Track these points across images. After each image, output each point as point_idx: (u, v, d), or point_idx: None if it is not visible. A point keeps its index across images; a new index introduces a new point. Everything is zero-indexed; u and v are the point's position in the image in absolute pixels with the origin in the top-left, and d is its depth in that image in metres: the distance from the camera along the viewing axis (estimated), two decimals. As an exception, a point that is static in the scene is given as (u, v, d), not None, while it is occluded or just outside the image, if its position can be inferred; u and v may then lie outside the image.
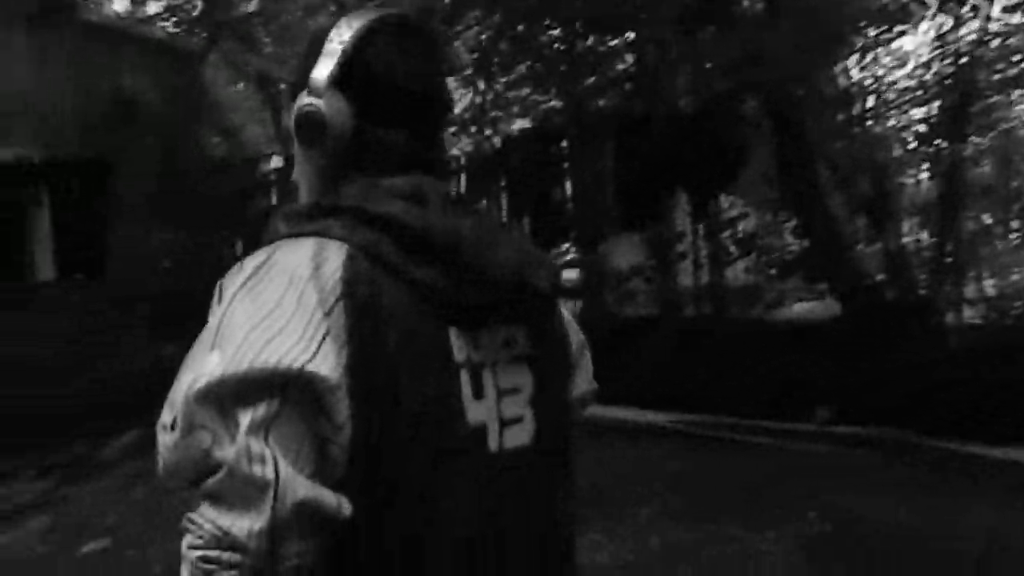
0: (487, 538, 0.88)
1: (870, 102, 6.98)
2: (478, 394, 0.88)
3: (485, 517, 0.88)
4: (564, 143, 8.30)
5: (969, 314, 6.37)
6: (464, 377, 0.87)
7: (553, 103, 8.58)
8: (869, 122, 6.96)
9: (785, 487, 4.76)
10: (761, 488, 4.78)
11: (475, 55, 8.50)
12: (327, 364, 0.79)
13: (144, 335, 6.85)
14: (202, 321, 0.85)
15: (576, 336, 1.09)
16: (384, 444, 0.81)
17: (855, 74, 6.93)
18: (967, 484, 4.71)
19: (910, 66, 6.75)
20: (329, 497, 0.79)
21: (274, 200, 8.65)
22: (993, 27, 6.40)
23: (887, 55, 6.89)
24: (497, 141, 8.78)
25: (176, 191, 7.60)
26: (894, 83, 6.89)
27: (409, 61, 0.97)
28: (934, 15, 6.49)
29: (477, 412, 0.88)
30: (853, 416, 5.79)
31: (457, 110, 9.33)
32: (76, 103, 7.42)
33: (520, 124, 8.84)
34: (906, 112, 6.88)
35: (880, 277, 6.75)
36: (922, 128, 6.78)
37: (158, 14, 9.53)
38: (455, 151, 9.14)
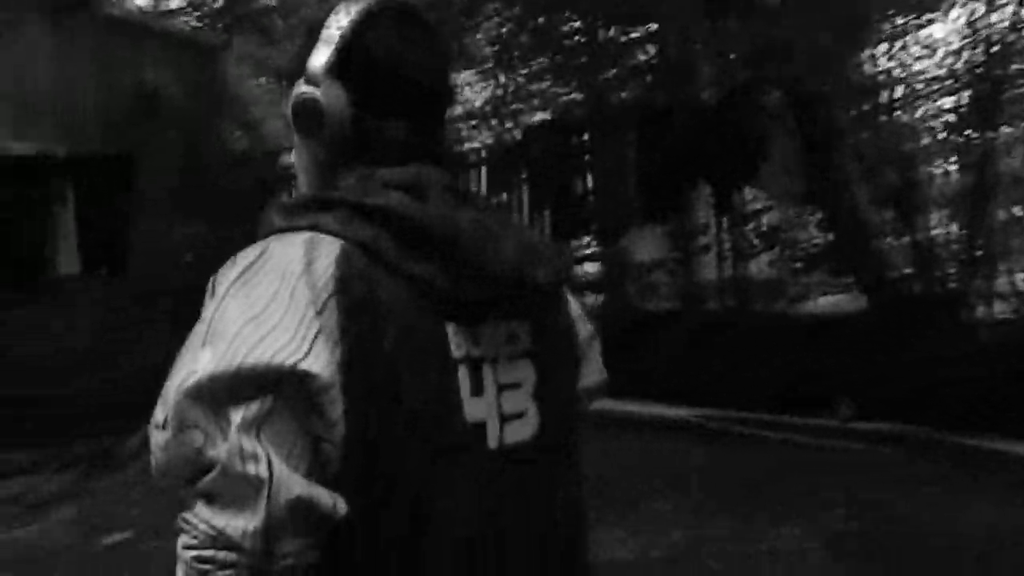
0: (487, 537, 0.86)
1: (898, 92, 6.85)
2: (477, 390, 0.86)
3: (485, 516, 0.86)
4: (585, 135, 8.23)
5: (1000, 308, 6.24)
6: (462, 373, 0.85)
7: (574, 95, 8.52)
8: (897, 112, 6.83)
9: (810, 483, 4.73)
10: (786, 484, 4.75)
11: (495, 47, 8.46)
12: (320, 362, 0.77)
13: (166, 329, 6.88)
14: None
15: (584, 327, 1.07)
16: (380, 442, 0.80)
17: (882, 63, 6.80)
18: (996, 482, 4.64)
19: (940, 54, 6.61)
20: (324, 495, 0.77)
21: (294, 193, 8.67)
22: (1026, 14, 6.25)
23: (916, 43, 6.75)
24: (518, 134, 8.73)
25: (198, 185, 7.63)
26: (923, 72, 6.75)
27: (409, 48, 0.94)
28: (965, 2, 6.36)
29: (476, 409, 0.86)
30: (878, 412, 5.72)
31: (477, 103, 9.32)
32: (99, 98, 7.46)
33: (541, 116, 8.78)
34: (935, 101, 6.74)
35: (907, 270, 6.64)
36: (952, 118, 6.64)
37: (180, 8, 9.56)
38: (476, 144, 9.11)
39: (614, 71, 8.02)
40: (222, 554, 0.75)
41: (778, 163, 7.09)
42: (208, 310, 0.82)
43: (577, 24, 8.07)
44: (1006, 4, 6.19)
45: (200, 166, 7.86)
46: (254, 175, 8.54)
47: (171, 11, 9.52)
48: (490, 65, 8.57)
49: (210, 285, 0.85)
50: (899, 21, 6.55)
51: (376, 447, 0.79)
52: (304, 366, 0.77)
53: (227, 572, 0.76)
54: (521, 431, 0.90)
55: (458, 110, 9.36)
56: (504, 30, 8.30)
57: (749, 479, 4.86)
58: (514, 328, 0.91)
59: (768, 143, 6.88)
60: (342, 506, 0.78)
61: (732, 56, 6.97)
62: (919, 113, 6.87)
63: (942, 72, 6.57)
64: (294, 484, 0.76)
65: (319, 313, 0.79)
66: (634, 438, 5.76)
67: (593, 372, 1.10)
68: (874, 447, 5.38)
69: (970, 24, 6.32)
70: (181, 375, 0.78)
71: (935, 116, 6.80)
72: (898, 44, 6.68)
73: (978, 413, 5.29)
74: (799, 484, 4.71)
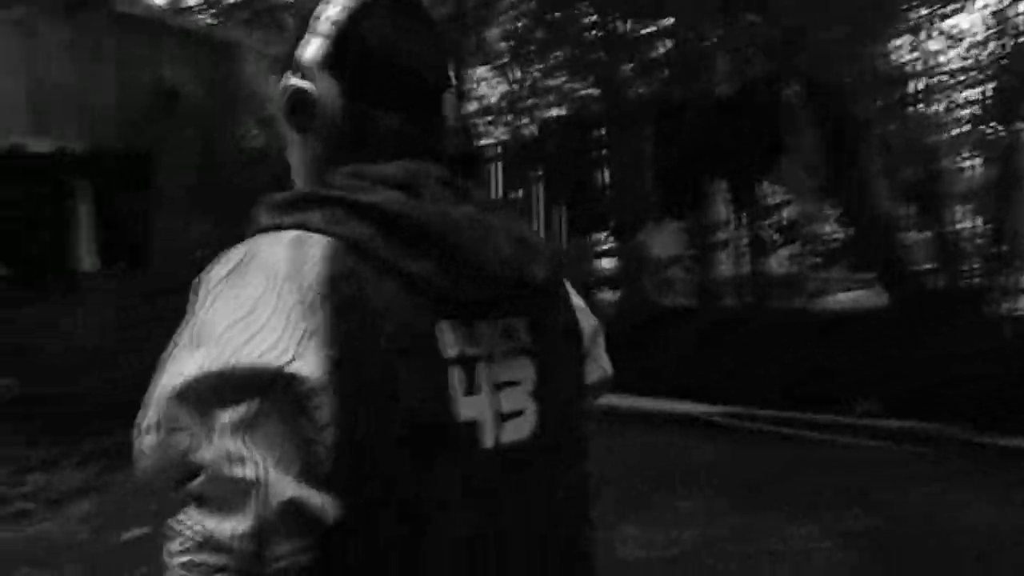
0: (486, 537, 0.84)
1: (921, 83, 6.75)
2: (471, 389, 0.84)
3: (483, 516, 0.84)
4: (602, 130, 8.18)
5: (1025, 303, 6.15)
6: (456, 372, 0.83)
7: (590, 90, 8.47)
8: (920, 105, 6.73)
9: (827, 481, 4.68)
10: (802, 482, 4.70)
11: (511, 42, 8.43)
12: (309, 364, 0.75)
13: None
14: None
15: (588, 322, 1.05)
16: (372, 443, 0.78)
17: (906, 55, 6.70)
18: (1016, 480, 4.57)
19: (964, 45, 6.50)
20: (315, 497, 0.76)
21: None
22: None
23: (940, 34, 6.64)
24: (534, 129, 8.69)
25: (214, 182, 7.65)
26: (947, 63, 6.65)
27: (406, 39, 0.92)
28: (991, -9, 6.26)
29: (470, 408, 0.84)
30: (898, 409, 5.64)
31: (493, 98, 9.29)
32: (116, 95, 7.49)
33: (557, 112, 8.74)
34: (959, 93, 6.64)
35: (930, 265, 6.55)
36: (976, 110, 6.53)
37: (196, 5, 9.59)
38: (492, 139, 9.09)
39: (630, 65, 7.96)
40: (212, 558, 0.74)
41: (797, 157, 7.02)
42: (194, 311, 0.80)
43: (593, 18, 8.02)
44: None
45: (217, 163, 7.89)
46: (270, 172, 8.56)
47: (188, 8, 9.54)
48: (506, 60, 8.54)
49: (195, 286, 0.82)
50: (923, 11, 6.45)
51: (368, 448, 0.77)
52: (293, 368, 0.75)
53: None
54: (519, 430, 0.88)
55: (474, 106, 9.35)
56: (520, 25, 8.26)
57: (764, 477, 4.82)
58: (512, 325, 0.89)
59: (786, 137, 6.80)
60: (333, 508, 0.76)
61: (749, 49, 6.89)
62: (942, 105, 6.77)
63: (967, 63, 6.47)
64: (285, 486, 0.74)
65: (309, 314, 0.77)
66: (650, 434, 5.72)
67: (597, 368, 1.08)
68: (894, 445, 5.31)
69: (996, 14, 6.22)
70: (168, 378, 0.76)
71: (959, 108, 6.69)
72: (921, 35, 6.58)
73: (1001, 411, 5.20)
74: (816, 482, 4.67)
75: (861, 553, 3.73)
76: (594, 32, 8.09)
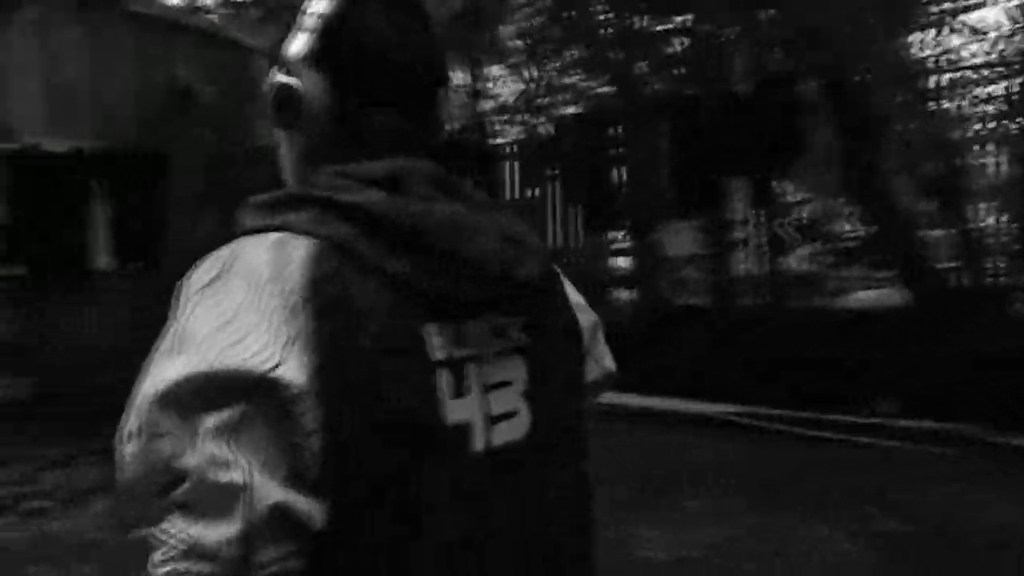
0: (476, 540, 0.82)
1: (942, 79, 6.65)
2: (460, 391, 0.81)
3: (474, 519, 0.82)
4: (618, 128, 8.13)
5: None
6: (444, 374, 0.80)
7: (606, 88, 8.42)
8: (944, 102, 6.64)
9: (845, 481, 4.64)
10: (820, 482, 4.66)
11: (527, 40, 8.39)
12: (294, 369, 0.73)
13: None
14: None
15: (587, 319, 1.01)
16: (359, 448, 0.75)
17: (927, 50, 6.61)
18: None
19: (989, 39, 6.40)
20: (303, 502, 0.74)
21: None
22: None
23: (964, 28, 6.55)
24: (550, 128, 8.65)
25: (228, 181, 7.66)
26: (971, 58, 6.55)
27: (398, 33, 0.88)
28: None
29: (458, 410, 0.81)
30: (917, 409, 5.56)
31: (509, 97, 9.26)
32: (132, 95, 7.52)
33: (573, 110, 8.70)
34: (983, 88, 6.54)
35: (952, 263, 6.46)
36: (1000, 105, 6.43)
37: (211, 4, 9.61)
38: (507, 138, 9.06)
39: (647, 63, 7.90)
40: (198, 566, 0.71)
41: (815, 154, 6.94)
42: (176, 316, 0.78)
43: (609, 16, 7.97)
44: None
45: (233, 162, 7.89)
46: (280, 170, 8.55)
47: (203, 7, 9.57)
48: (523, 58, 8.51)
49: (177, 290, 0.80)
50: (945, 5, 6.35)
51: (354, 453, 0.75)
52: (278, 373, 0.73)
53: None
54: (511, 431, 0.85)
55: (489, 104, 9.32)
56: (535, 22, 8.22)
57: (781, 477, 4.78)
58: (503, 325, 0.86)
59: (805, 134, 6.73)
60: (321, 513, 0.74)
61: (767, 45, 6.82)
62: (966, 101, 6.67)
63: (991, 58, 6.37)
64: (271, 490, 0.72)
65: (291, 318, 0.75)
66: (666, 434, 5.68)
67: (597, 366, 1.05)
68: (913, 444, 5.24)
69: (1021, 7, 6.11)
70: (149, 383, 0.74)
71: (983, 103, 6.59)
72: (944, 29, 6.49)
73: (1023, 410, 5.12)
74: (834, 482, 4.63)
75: (879, 554, 3.68)
76: (610, 30, 8.04)
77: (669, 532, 3.99)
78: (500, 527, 0.84)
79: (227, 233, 0.86)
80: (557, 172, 8.37)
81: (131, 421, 0.75)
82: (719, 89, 7.14)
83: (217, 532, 0.71)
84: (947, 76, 6.63)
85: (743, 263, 7.81)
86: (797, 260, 7.67)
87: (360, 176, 0.83)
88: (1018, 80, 6.24)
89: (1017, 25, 6.18)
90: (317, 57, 0.87)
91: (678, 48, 7.93)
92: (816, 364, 5.99)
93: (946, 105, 6.69)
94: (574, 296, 1.00)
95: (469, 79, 9.12)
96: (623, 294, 8.30)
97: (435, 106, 0.93)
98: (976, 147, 6.57)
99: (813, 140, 6.80)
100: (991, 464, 4.85)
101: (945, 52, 6.57)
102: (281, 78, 0.89)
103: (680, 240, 7.99)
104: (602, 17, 8.01)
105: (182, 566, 0.72)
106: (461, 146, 8.59)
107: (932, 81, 6.62)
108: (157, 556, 0.73)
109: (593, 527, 0.96)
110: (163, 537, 0.73)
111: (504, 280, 0.83)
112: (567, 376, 0.94)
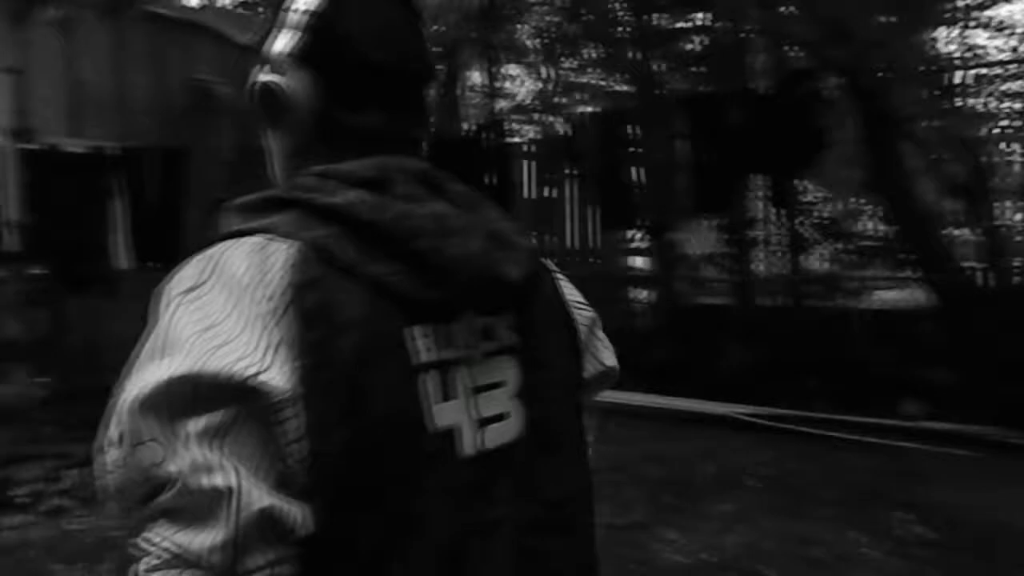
0: (471, 544, 0.80)
1: (965, 76, 6.56)
2: (447, 395, 0.80)
3: (468, 523, 0.81)
4: (635, 126, 8.07)
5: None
6: (430, 377, 0.79)
7: (623, 87, 8.38)
8: (970, 99, 6.54)
9: (870, 484, 4.57)
10: (845, 485, 4.60)
11: (544, 39, 8.36)
12: (277, 376, 0.72)
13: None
14: None
15: (584, 315, 1.00)
16: (346, 454, 0.74)
17: (949, 46, 6.53)
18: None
19: (1010, 37, 6.30)
20: (291, 507, 0.72)
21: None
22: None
23: (984, 25, 6.45)
24: (568, 124, 8.62)
25: (249, 180, 7.69)
26: (992, 55, 6.45)
27: (385, 29, 0.87)
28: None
29: (446, 414, 0.80)
30: (945, 411, 5.48)
31: (525, 96, 9.23)
32: (152, 95, 7.56)
33: (589, 108, 8.66)
34: (1007, 85, 6.44)
35: (976, 263, 6.37)
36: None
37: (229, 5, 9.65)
38: (524, 137, 9.04)
39: (664, 60, 7.85)
40: (185, 574, 0.69)
41: (837, 152, 6.87)
42: (158, 321, 0.76)
43: (627, 14, 7.92)
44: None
45: (252, 162, 7.93)
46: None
47: (222, 8, 9.61)
48: (540, 57, 8.48)
49: (158, 295, 0.78)
50: (968, 1, 6.27)
51: (342, 460, 0.74)
52: (265, 379, 0.71)
53: None
54: (504, 433, 0.84)
55: (506, 103, 9.30)
56: (551, 20, 8.19)
57: (805, 480, 4.72)
58: (491, 325, 0.85)
59: (826, 132, 6.65)
60: (309, 519, 0.72)
61: (787, 42, 6.76)
62: (989, 98, 6.58)
63: (1016, 54, 6.27)
64: (259, 495, 0.70)
65: (273, 325, 0.73)
66: (684, 436, 5.63)
67: (596, 362, 1.02)
68: (941, 447, 5.16)
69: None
70: (131, 388, 0.72)
71: (1008, 99, 6.50)
72: (969, 24, 6.39)
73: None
74: (859, 485, 4.57)
75: (909, 560, 3.62)
76: (627, 29, 7.99)
77: (691, 535, 3.95)
78: (496, 530, 0.82)
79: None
80: (574, 171, 8.34)
81: (112, 428, 0.73)
82: (738, 86, 7.08)
83: (203, 539, 0.69)
84: (969, 73, 6.53)
85: (761, 262, 7.75)
86: (817, 259, 7.60)
87: (343, 176, 0.81)
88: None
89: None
90: (302, 56, 0.86)
91: (697, 45, 7.88)
92: (839, 365, 5.92)
93: (969, 102, 6.60)
94: (570, 293, 0.99)
95: (486, 78, 9.11)
96: (641, 294, 8.25)
97: (422, 103, 0.92)
98: (1001, 144, 6.47)
99: (834, 138, 6.73)
100: (1020, 466, 4.77)
101: (967, 49, 6.47)
102: (264, 77, 0.87)
103: (698, 239, 7.94)
104: (620, 15, 7.96)
105: (170, 574, 0.70)
106: (478, 145, 8.57)
107: (955, 78, 6.53)
108: (140, 566, 0.71)
109: (594, 528, 0.95)
110: (147, 547, 0.71)
111: (489, 280, 0.82)
112: (563, 374, 0.93)
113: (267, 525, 0.71)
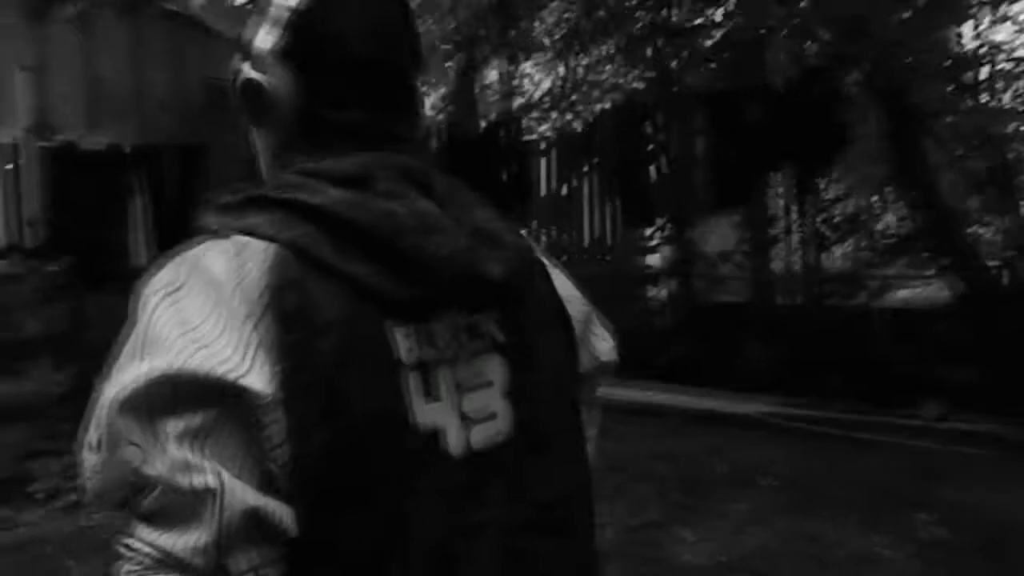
0: (459, 545, 0.79)
1: (989, 70, 6.45)
2: (430, 393, 0.78)
3: (456, 524, 0.79)
4: (654, 122, 8.02)
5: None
6: (413, 377, 0.77)
7: (641, 83, 8.31)
8: (1000, 95, 6.43)
9: (890, 484, 4.52)
10: (862, 484, 4.54)
11: (563, 33, 8.32)
12: (257, 378, 0.71)
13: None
14: None
15: (579, 308, 0.97)
16: (328, 457, 0.73)
17: (971, 42, 6.42)
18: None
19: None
20: (276, 507, 0.71)
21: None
22: None
23: (1007, 20, 6.35)
24: (585, 121, 8.57)
25: (259, 178, 7.72)
26: (1015, 50, 6.35)
27: (369, 24, 0.85)
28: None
29: (430, 415, 0.78)
30: (967, 410, 5.40)
31: (543, 91, 9.19)
32: (169, 92, 7.61)
33: (608, 103, 8.60)
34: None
35: (1000, 260, 6.27)
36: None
37: (244, 4, 9.68)
38: (541, 133, 9.00)
39: (684, 55, 7.78)
40: None
41: (858, 148, 6.78)
42: (138, 323, 0.75)
43: (644, 10, 7.85)
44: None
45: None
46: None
47: (236, 7, 9.64)
48: (559, 50, 8.43)
49: (136, 296, 0.77)
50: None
51: (322, 462, 0.72)
52: (246, 381, 0.70)
53: None
54: (492, 432, 0.82)
55: (523, 99, 9.27)
56: (569, 15, 8.15)
57: (824, 479, 4.67)
58: (477, 322, 0.83)
59: (847, 127, 6.57)
60: (293, 521, 0.71)
61: (808, 36, 6.68)
62: (1013, 93, 6.47)
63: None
64: (244, 495, 0.69)
65: (253, 327, 0.72)
66: (701, 433, 5.58)
67: (592, 356, 0.99)
68: (964, 447, 5.08)
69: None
70: (111, 390, 0.71)
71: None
72: (990, 20, 6.29)
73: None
74: (879, 485, 4.51)
75: (927, 562, 3.57)
76: (645, 25, 7.92)
77: (707, 535, 3.91)
78: (482, 532, 0.80)
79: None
80: (593, 167, 8.29)
81: (92, 430, 0.72)
82: (758, 81, 7.00)
83: (187, 540, 0.68)
84: (994, 68, 6.42)
85: (781, 259, 7.67)
86: (839, 256, 7.51)
87: (326, 174, 0.79)
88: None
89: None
90: (285, 52, 0.84)
91: (715, 40, 7.79)
92: (859, 363, 5.85)
93: (993, 97, 6.49)
94: (565, 287, 0.96)
95: (503, 74, 9.08)
96: (659, 290, 8.19)
97: (410, 98, 0.90)
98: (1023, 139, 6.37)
99: (856, 133, 6.64)
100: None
101: (991, 44, 6.36)
102: (247, 73, 0.86)
103: (718, 235, 7.87)
104: (637, 12, 7.90)
105: None
106: (496, 142, 8.55)
107: (980, 73, 6.42)
108: (127, 569, 0.70)
109: (594, 527, 0.93)
110: (130, 550, 0.70)
111: (471, 278, 0.79)
112: (556, 371, 0.90)
113: (252, 525, 0.69)
